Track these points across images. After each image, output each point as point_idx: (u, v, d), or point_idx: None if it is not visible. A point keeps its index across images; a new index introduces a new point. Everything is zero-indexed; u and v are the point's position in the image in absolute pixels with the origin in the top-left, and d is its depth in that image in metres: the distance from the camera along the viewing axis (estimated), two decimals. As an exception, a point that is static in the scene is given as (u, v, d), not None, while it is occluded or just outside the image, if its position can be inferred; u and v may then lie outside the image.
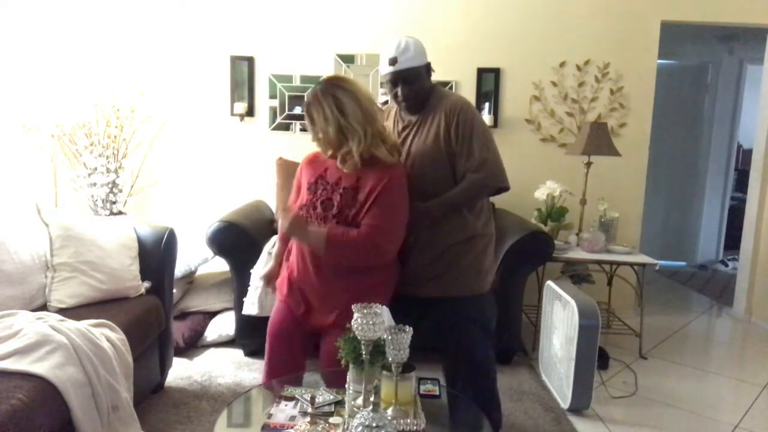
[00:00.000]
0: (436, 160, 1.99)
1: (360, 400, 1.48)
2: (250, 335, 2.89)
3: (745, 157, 5.95)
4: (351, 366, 1.52)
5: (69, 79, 3.39)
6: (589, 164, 3.37)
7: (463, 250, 2.04)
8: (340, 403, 1.55)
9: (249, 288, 2.81)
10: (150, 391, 2.45)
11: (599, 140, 3.23)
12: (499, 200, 2.51)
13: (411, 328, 1.42)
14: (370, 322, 1.39)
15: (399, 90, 2.01)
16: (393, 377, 1.44)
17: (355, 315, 1.41)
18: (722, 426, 2.47)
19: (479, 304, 2.08)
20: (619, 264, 3.23)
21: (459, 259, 2.03)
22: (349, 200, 1.86)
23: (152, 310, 2.35)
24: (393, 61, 1.97)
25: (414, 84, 2.00)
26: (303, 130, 3.78)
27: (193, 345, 3.04)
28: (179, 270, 2.95)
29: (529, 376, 2.86)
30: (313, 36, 3.73)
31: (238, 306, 2.87)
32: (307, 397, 1.49)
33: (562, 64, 3.73)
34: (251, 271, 2.81)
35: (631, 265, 3.20)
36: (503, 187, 2.03)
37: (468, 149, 1.96)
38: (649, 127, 3.82)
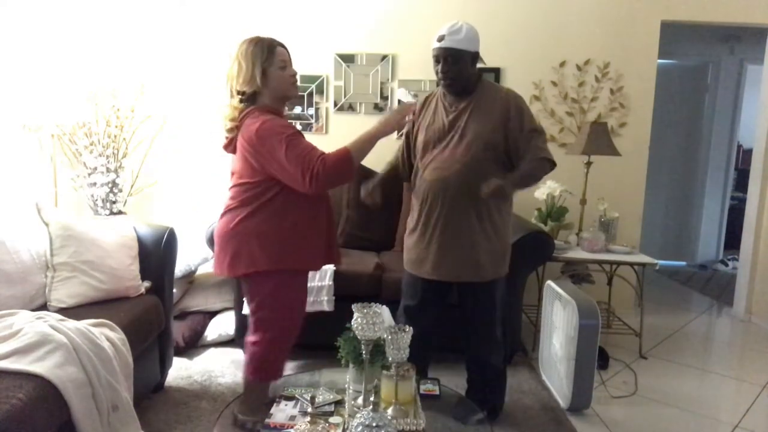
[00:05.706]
0: (494, 146, 2.11)
1: (360, 400, 1.48)
2: (250, 335, 2.89)
3: (745, 156, 5.94)
4: (351, 366, 1.52)
5: (69, 79, 3.39)
6: (589, 164, 3.37)
7: (500, 239, 2.22)
8: (340, 403, 1.56)
9: (249, 288, 2.81)
10: (150, 391, 2.45)
11: (599, 140, 3.23)
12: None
13: (411, 328, 1.42)
14: (370, 322, 1.39)
15: (440, 67, 2.10)
16: (393, 377, 1.44)
17: (355, 315, 1.41)
18: (722, 426, 2.47)
19: (502, 284, 2.30)
20: (619, 264, 3.23)
21: (499, 245, 2.21)
22: None
23: (152, 309, 2.35)
24: (440, 38, 2.07)
25: (455, 65, 2.08)
26: (303, 129, 3.78)
27: (193, 345, 3.04)
28: (179, 270, 2.95)
29: (529, 375, 2.86)
30: (313, 36, 3.73)
31: (238, 306, 2.87)
32: (307, 397, 1.49)
33: (562, 64, 3.73)
34: (251, 270, 2.80)
35: (631, 264, 3.20)
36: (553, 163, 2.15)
37: (528, 133, 2.10)
38: (649, 127, 3.81)
